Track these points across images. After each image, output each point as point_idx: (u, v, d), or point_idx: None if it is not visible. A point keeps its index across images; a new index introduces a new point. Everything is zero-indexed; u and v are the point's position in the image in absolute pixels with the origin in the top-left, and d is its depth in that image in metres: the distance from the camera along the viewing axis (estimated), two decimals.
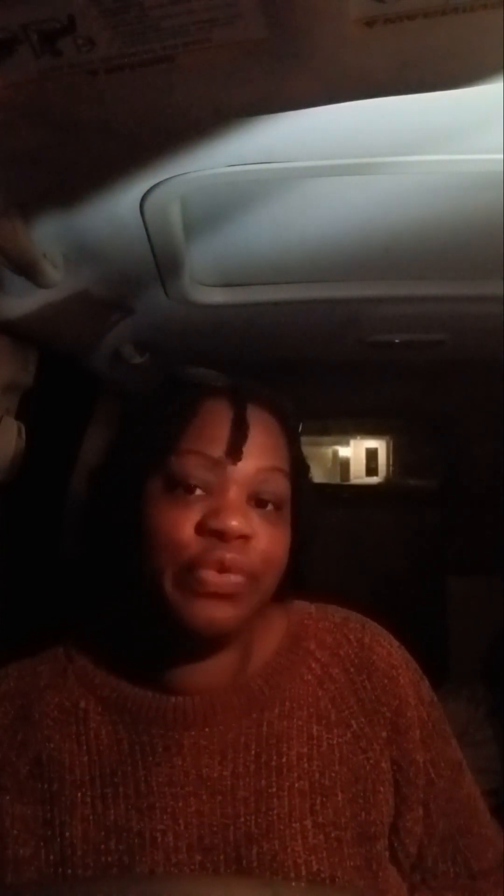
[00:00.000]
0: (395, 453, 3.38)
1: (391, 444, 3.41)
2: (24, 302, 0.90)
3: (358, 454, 3.55)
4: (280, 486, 0.64)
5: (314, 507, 0.70)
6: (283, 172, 0.70)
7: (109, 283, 1.00)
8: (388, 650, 0.72)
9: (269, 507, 0.63)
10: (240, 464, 0.61)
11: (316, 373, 1.84)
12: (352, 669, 0.69)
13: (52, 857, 0.61)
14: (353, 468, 3.56)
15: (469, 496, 2.63)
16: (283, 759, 0.64)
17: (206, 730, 0.64)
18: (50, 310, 0.95)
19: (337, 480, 3.48)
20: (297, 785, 0.63)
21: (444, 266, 1.04)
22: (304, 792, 0.63)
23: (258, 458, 0.62)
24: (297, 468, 0.68)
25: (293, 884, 0.59)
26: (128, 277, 0.99)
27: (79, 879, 0.59)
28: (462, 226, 0.88)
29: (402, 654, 0.73)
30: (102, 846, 0.61)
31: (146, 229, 0.81)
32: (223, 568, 0.58)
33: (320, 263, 1.03)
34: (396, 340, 1.43)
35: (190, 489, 0.61)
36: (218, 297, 1.10)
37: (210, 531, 0.59)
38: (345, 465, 3.57)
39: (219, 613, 0.59)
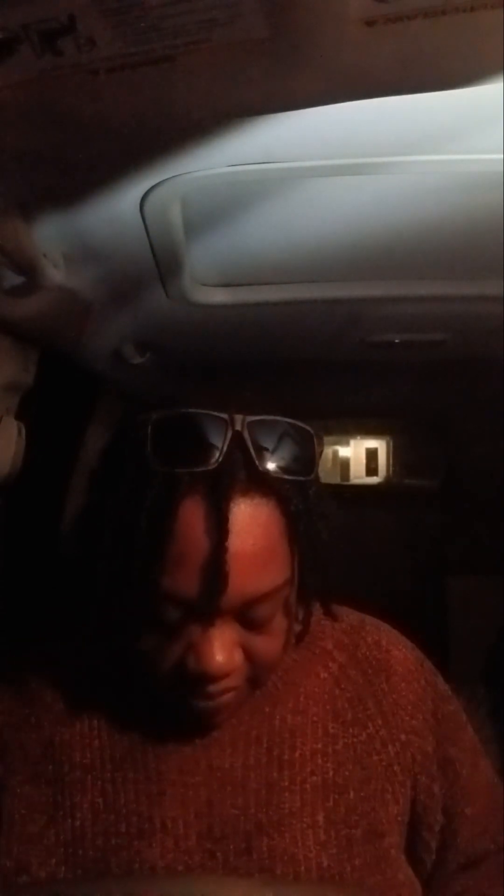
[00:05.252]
0: (395, 453, 3.37)
1: (391, 444, 3.40)
2: (24, 302, 0.90)
3: (358, 454, 3.54)
4: (271, 606, 0.57)
5: (327, 540, 0.63)
6: (283, 172, 0.70)
7: (109, 283, 1.00)
8: (405, 653, 0.72)
9: (263, 625, 0.58)
10: (225, 597, 0.54)
11: (316, 373, 1.84)
12: (370, 671, 0.70)
13: (61, 837, 0.61)
14: (353, 468, 3.55)
15: (469, 496, 2.63)
16: (297, 754, 0.64)
17: None
18: (50, 310, 0.95)
19: (337, 480, 3.47)
20: (309, 780, 0.63)
21: (445, 266, 1.04)
22: (316, 787, 0.63)
23: (242, 591, 0.54)
24: (306, 529, 0.59)
25: (293, 885, 0.59)
26: (128, 277, 0.99)
27: (76, 879, 0.59)
28: (462, 226, 0.88)
29: (416, 654, 0.74)
30: (112, 829, 0.61)
31: (146, 229, 0.81)
32: (211, 697, 0.57)
33: (321, 263, 1.03)
34: (397, 340, 1.43)
35: (170, 626, 0.56)
36: (218, 297, 1.10)
37: (191, 672, 0.55)
38: (345, 465, 3.56)
39: (212, 720, 0.61)
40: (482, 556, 2.55)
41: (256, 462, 0.55)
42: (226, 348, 1.43)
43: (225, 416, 0.56)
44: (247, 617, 0.56)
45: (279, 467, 0.56)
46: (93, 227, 0.80)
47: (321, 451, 0.61)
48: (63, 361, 1.26)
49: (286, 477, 0.57)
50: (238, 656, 0.57)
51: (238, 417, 0.56)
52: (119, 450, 0.60)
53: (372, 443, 3.48)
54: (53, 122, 0.56)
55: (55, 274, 0.84)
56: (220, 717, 0.61)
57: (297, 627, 0.66)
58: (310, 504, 0.59)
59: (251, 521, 0.55)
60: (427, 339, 1.42)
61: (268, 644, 0.59)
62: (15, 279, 0.82)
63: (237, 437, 0.56)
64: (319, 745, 0.65)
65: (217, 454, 0.55)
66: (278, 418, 0.58)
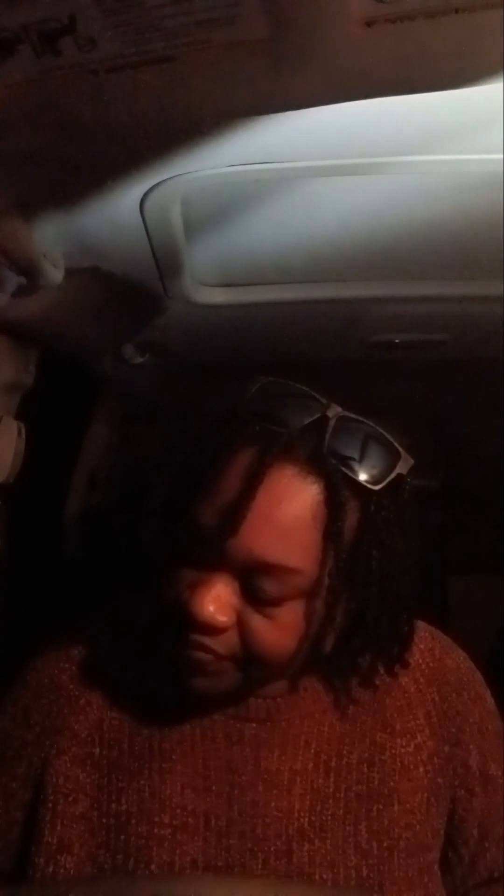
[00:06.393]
0: None
1: None
2: (24, 302, 0.90)
3: None
4: (279, 587, 0.54)
5: (373, 567, 0.58)
6: (283, 172, 0.70)
7: (110, 283, 1.00)
8: (458, 663, 0.72)
9: (266, 605, 0.55)
10: (233, 545, 0.54)
11: (317, 373, 1.83)
12: (422, 680, 0.69)
13: (104, 820, 0.61)
14: None
15: (469, 496, 2.63)
16: (344, 762, 0.64)
17: (268, 724, 0.64)
18: (50, 310, 0.95)
19: None
20: (354, 789, 0.63)
21: (446, 266, 1.04)
22: (361, 797, 0.63)
23: (249, 546, 0.54)
24: (345, 533, 0.55)
25: (332, 892, 0.59)
26: (128, 277, 0.99)
27: (116, 865, 0.60)
28: (463, 226, 0.88)
29: (468, 665, 0.73)
30: (156, 818, 0.61)
31: (146, 229, 0.81)
32: (194, 647, 0.56)
33: (321, 263, 1.03)
34: (397, 341, 1.43)
35: (188, 566, 0.57)
36: (218, 297, 1.10)
37: (181, 613, 0.55)
38: None
39: (200, 686, 0.58)
40: (482, 556, 2.55)
41: (325, 446, 0.56)
42: (226, 348, 1.43)
43: (325, 400, 0.59)
44: (252, 586, 0.55)
45: (343, 462, 0.56)
46: (93, 227, 0.80)
47: (404, 477, 0.60)
48: (63, 361, 1.26)
49: (343, 470, 0.56)
50: (230, 618, 0.55)
51: (336, 407, 0.59)
52: (223, 408, 0.62)
53: None
54: (53, 122, 0.56)
55: (55, 274, 0.84)
56: (202, 683, 0.58)
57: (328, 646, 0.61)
58: (364, 513, 0.57)
59: (290, 493, 0.55)
60: (428, 339, 1.42)
61: (268, 630, 0.55)
62: (15, 279, 0.82)
63: (322, 420, 0.57)
64: (366, 755, 0.64)
65: (296, 425, 0.57)
66: (374, 425, 0.59)
